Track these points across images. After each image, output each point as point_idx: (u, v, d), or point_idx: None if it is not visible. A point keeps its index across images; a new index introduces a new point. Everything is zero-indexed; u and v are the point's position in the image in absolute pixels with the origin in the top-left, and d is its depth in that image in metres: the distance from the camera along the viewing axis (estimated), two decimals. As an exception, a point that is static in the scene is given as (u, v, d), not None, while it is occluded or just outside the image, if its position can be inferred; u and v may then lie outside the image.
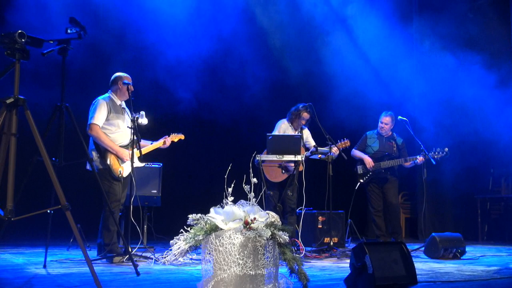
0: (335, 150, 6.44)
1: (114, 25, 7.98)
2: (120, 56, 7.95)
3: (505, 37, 8.73)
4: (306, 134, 6.90)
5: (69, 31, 4.11)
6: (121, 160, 5.40)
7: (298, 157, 6.25)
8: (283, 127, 6.78)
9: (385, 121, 7.18)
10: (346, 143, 6.70)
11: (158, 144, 5.86)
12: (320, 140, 6.64)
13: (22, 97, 3.11)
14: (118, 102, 5.54)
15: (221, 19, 8.72)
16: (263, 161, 6.38)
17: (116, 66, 6.58)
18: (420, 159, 6.97)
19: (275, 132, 6.73)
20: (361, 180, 7.18)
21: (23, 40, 3.14)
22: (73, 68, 6.76)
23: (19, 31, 3.14)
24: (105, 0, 7.92)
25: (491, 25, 9.04)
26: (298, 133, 6.75)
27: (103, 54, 7.73)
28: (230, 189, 2.71)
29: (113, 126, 5.42)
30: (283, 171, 6.58)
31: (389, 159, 7.09)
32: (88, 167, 5.43)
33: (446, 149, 6.96)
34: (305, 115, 6.67)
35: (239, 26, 8.72)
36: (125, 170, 5.43)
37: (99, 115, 5.32)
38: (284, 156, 6.27)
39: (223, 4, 8.85)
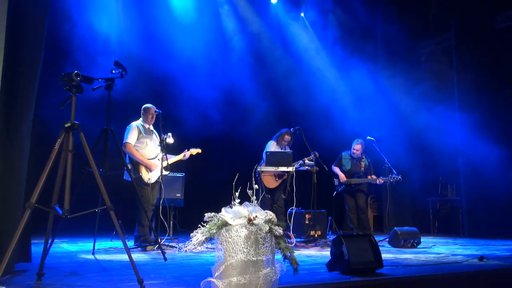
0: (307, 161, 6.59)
1: (149, 66, 8.05)
2: (154, 90, 8.00)
3: (450, 75, 8.78)
4: None
5: (113, 71, 4.14)
6: (149, 169, 5.46)
7: (290, 168, 6.26)
8: (272, 146, 6.87)
9: (356, 148, 7.29)
10: (313, 156, 6.74)
11: (180, 156, 5.95)
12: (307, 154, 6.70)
13: (77, 122, 3.13)
14: (147, 126, 5.67)
15: (235, 62, 8.86)
16: (262, 171, 6.39)
17: (149, 98, 6.60)
18: (379, 181, 7.07)
19: (267, 149, 6.78)
20: (338, 190, 7.26)
21: (78, 78, 3.16)
22: (116, 100, 6.79)
23: (75, 71, 3.15)
24: (141, 49, 8.01)
25: (439, 65, 9.10)
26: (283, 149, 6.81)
27: (138, 89, 7.75)
28: (237, 193, 2.70)
29: (143, 144, 5.55)
30: (277, 179, 6.62)
31: (358, 177, 7.18)
32: (125, 176, 5.47)
33: (400, 176, 7.02)
34: (287, 137, 6.85)
35: (248, 66, 8.87)
36: (152, 177, 5.49)
37: (131, 136, 5.48)
38: (279, 167, 6.28)
39: (235, 48, 9.00)
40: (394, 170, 7.04)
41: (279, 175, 6.58)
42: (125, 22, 8.04)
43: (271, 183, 6.64)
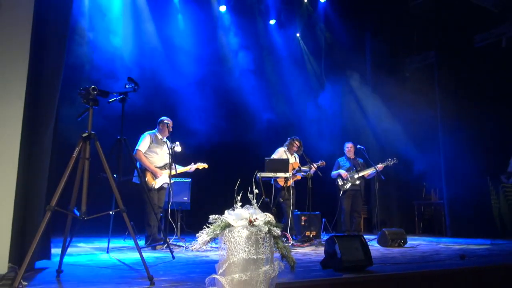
0: (313, 169, 6.52)
1: (161, 81, 8.09)
2: (164, 104, 8.02)
3: (432, 89, 8.82)
4: (296, 159, 6.95)
5: (127, 86, 4.16)
6: (155, 176, 5.46)
7: (287, 174, 6.26)
8: (280, 152, 6.84)
9: (349, 146, 7.38)
10: (322, 163, 6.80)
11: (186, 168, 5.89)
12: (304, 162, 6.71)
13: (93, 132, 3.14)
14: (160, 136, 5.65)
15: (237, 77, 8.90)
16: (263, 177, 6.38)
17: (161, 110, 6.62)
18: (379, 166, 7.07)
19: (274, 155, 6.79)
20: (345, 187, 7.19)
21: (95, 92, 3.17)
22: (130, 111, 6.79)
23: (92, 86, 3.17)
24: (149, 64, 8.05)
25: (423, 80, 9.14)
26: (293, 156, 6.83)
27: (151, 101, 7.77)
28: (239, 197, 2.70)
29: (153, 153, 5.56)
30: (289, 179, 6.58)
31: (358, 171, 7.15)
32: (134, 179, 5.48)
33: (395, 158, 7.14)
34: (296, 143, 6.79)
35: (250, 83, 8.91)
36: (157, 183, 5.49)
37: (143, 144, 5.51)
38: (277, 173, 6.28)
39: (235, 63, 9.05)
40: (382, 176, 7.05)
41: (292, 175, 6.57)
42: (139, 41, 8.11)
43: (284, 183, 6.63)
